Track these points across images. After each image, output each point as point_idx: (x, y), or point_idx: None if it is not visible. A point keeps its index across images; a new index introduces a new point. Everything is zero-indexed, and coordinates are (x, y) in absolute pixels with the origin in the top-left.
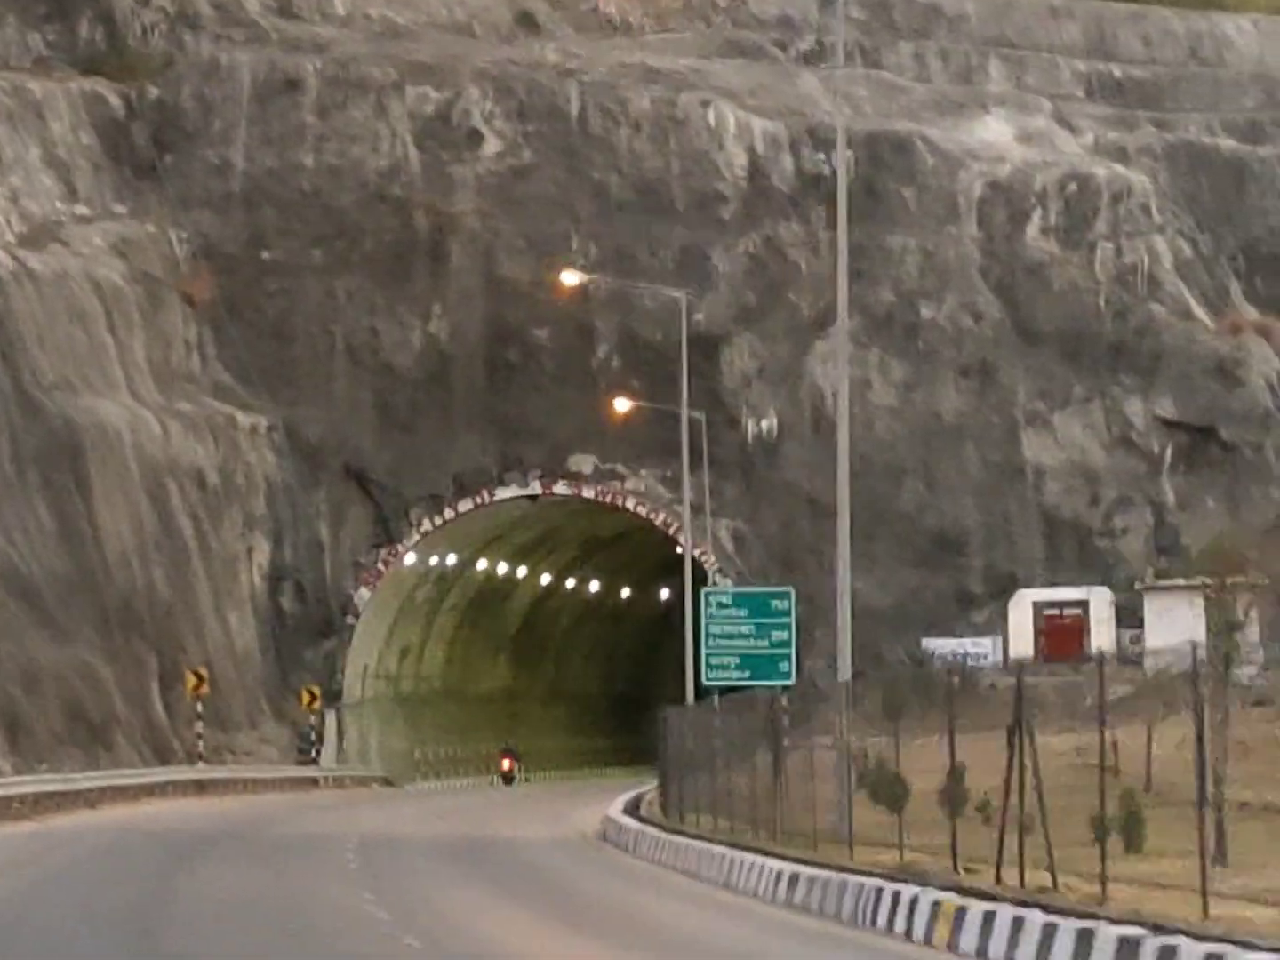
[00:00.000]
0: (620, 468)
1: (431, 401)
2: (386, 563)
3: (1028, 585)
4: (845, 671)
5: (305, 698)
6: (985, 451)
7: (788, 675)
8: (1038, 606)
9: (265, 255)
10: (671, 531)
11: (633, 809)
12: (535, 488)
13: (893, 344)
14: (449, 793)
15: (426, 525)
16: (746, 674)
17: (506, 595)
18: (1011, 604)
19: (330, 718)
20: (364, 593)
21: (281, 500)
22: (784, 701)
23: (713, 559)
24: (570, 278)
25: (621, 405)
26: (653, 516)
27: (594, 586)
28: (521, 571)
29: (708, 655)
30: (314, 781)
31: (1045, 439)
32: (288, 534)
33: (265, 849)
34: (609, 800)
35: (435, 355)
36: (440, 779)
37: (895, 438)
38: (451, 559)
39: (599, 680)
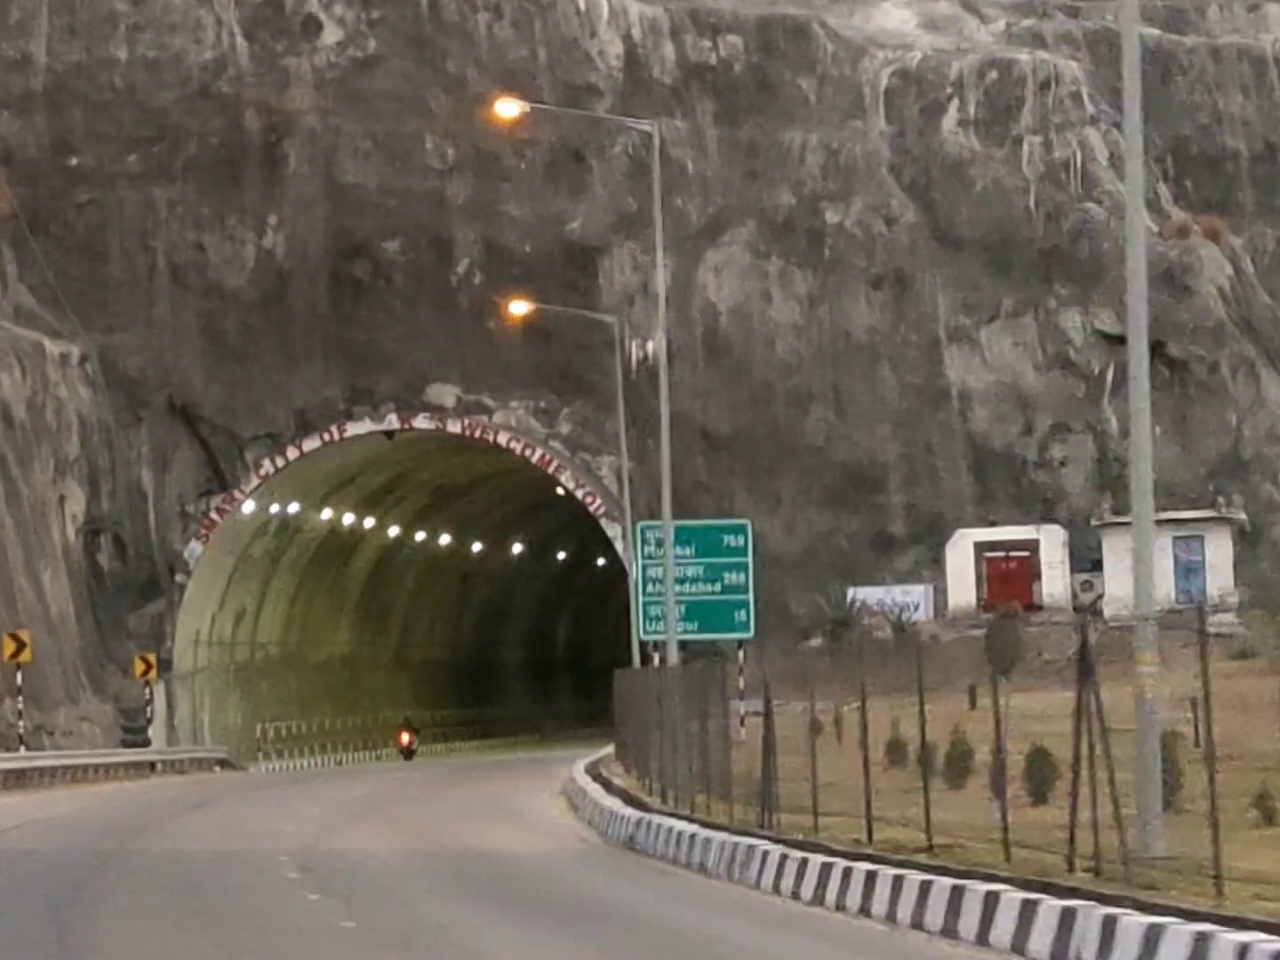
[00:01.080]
0: (487, 399)
1: (268, 327)
2: (221, 512)
3: (956, 525)
4: None
5: (139, 667)
6: (903, 374)
7: (746, 626)
8: (979, 548)
9: (73, 162)
10: (552, 470)
11: (627, 795)
12: (392, 422)
13: (794, 252)
14: (333, 776)
15: (267, 467)
16: (694, 625)
17: (352, 550)
18: (949, 546)
19: (159, 691)
20: (195, 547)
21: (97, 441)
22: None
23: (599, 501)
24: (508, 108)
25: (518, 309)
26: (528, 454)
27: (445, 540)
28: (369, 522)
29: (645, 604)
30: (151, 766)
31: (971, 358)
32: (105, 480)
33: (174, 887)
34: (542, 779)
35: (271, 274)
36: (285, 758)
37: (800, 359)
38: (294, 508)
39: (445, 646)
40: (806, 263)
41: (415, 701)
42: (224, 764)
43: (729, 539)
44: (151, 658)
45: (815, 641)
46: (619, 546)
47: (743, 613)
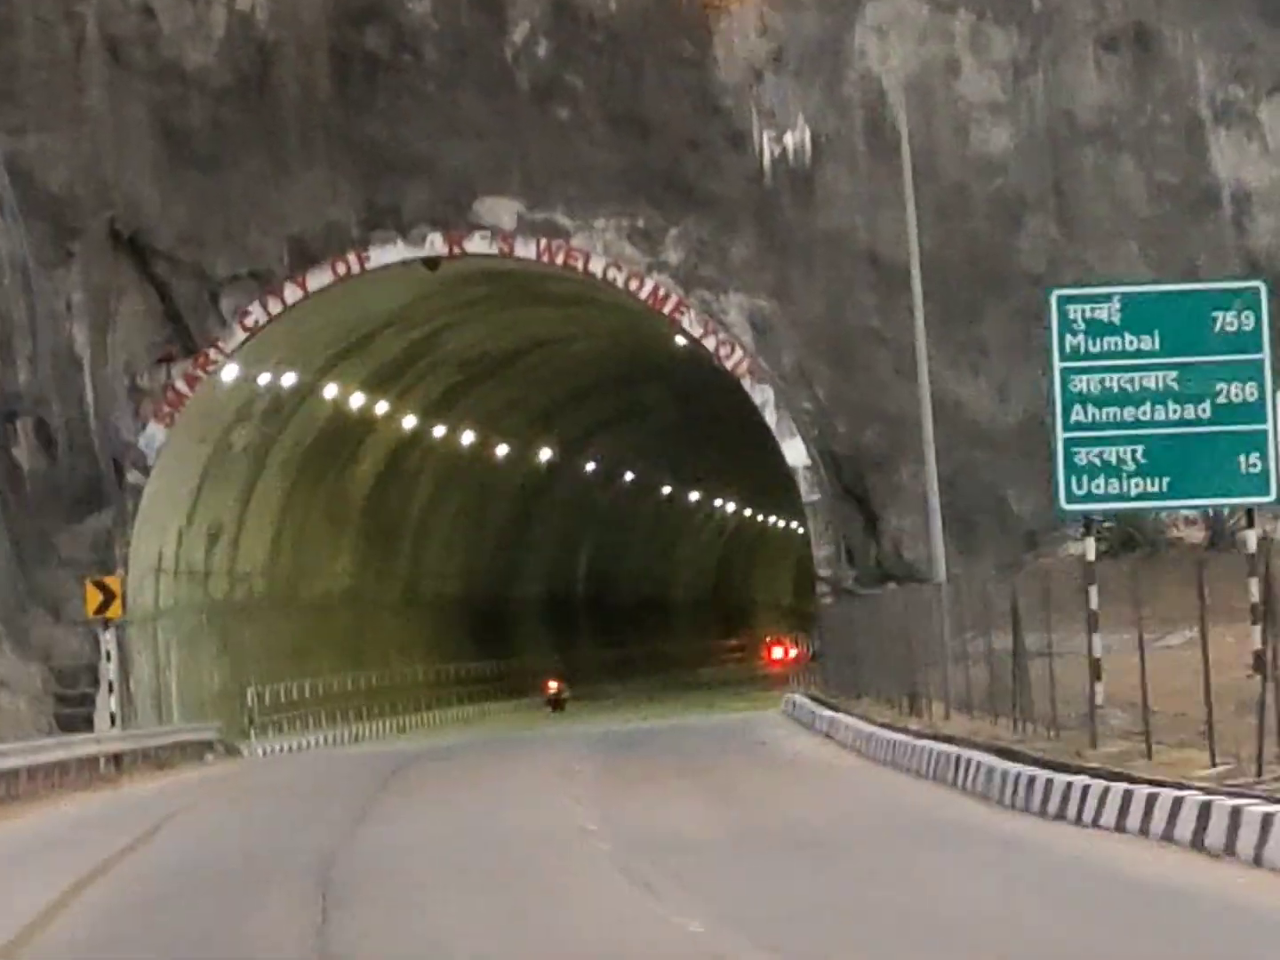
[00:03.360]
0: (560, 217)
1: (248, 122)
2: (190, 382)
3: None
4: None
5: (93, 597)
6: (1151, 169)
7: (1264, 484)
8: None
9: None
10: (669, 309)
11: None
12: (435, 245)
13: (992, 3)
14: (480, 751)
15: (256, 315)
16: (1159, 480)
17: (359, 443)
18: None
19: (107, 641)
20: (154, 433)
21: (8, 287)
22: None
23: (738, 355)
24: None
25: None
26: (634, 287)
27: (468, 438)
28: (382, 407)
29: (1068, 448)
30: (116, 763)
31: (1246, 146)
32: (20, 342)
33: None
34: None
35: (250, 47)
36: (285, 733)
37: (1005, 153)
38: (289, 379)
39: (459, 579)
40: (1009, 17)
41: (433, 652)
42: (221, 747)
43: (1223, 319)
44: (114, 583)
45: (1072, 550)
46: (770, 419)
47: (1256, 455)
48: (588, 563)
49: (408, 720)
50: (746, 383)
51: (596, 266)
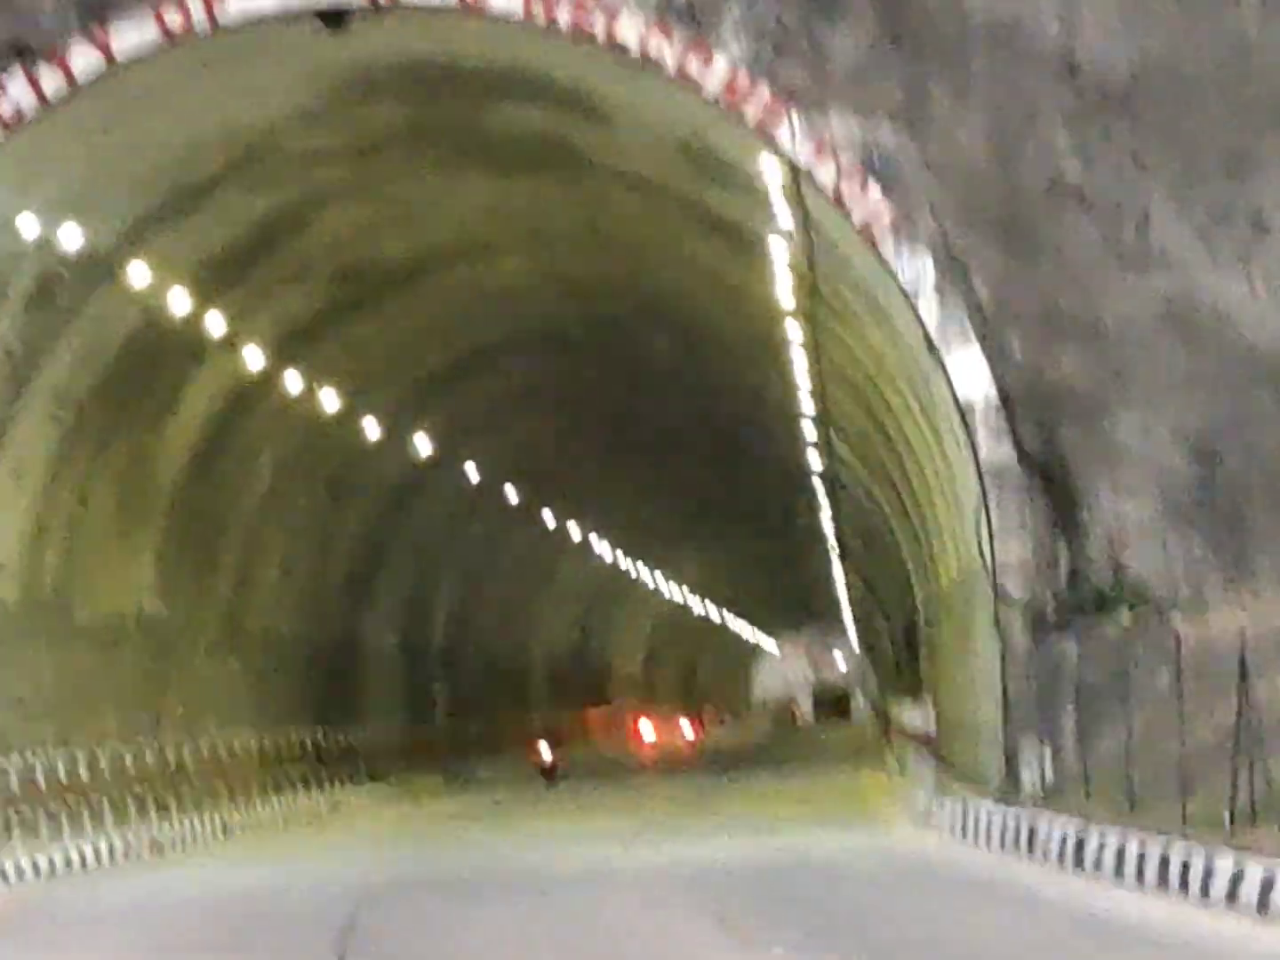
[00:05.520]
0: None
1: None
2: None
3: None
4: None
5: None
6: None
7: None
8: None
9: None
10: (753, 112)
11: None
12: None
13: None
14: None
15: (20, 97)
16: None
17: (178, 381)
18: None
19: None
20: None
21: None
22: None
23: (875, 194)
24: None
25: None
26: (692, 65)
27: (330, 401)
28: (216, 323)
29: None
30: None
31: None
32: None
33: None
34: None
35: None
36: (42, 841)
37: None
38: (73, 238)
39: (299, 613)
40: None
41: (260, 714)
42: None
43: None
44: None
45: None
46: (928, 312)
47: None
48: (449, 607)
49: (233, 817)
50: (889, 246)
51: (629, 30)
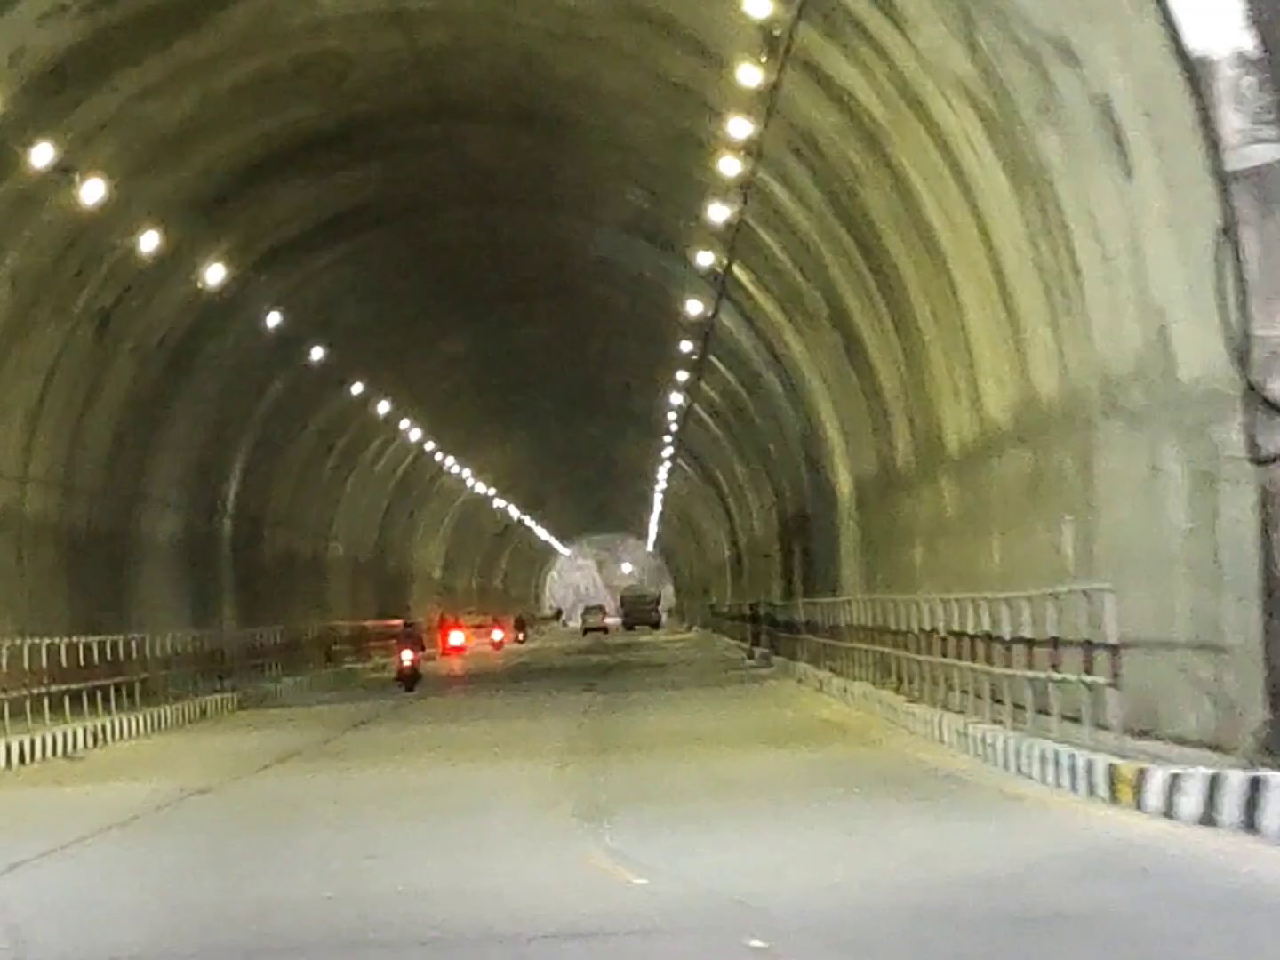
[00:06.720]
0: None
1: None
2: None
3: None
4: None
5: None
6: None
7: None
8: None
9: None
10: None
11: None
12: None
13: None
14: None
15: None
16: None
17: None
18: None
19: None
20: None
21: None
22: None
23: None
24: None
25: None
26: None
27: (94, 192)
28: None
29: None
30: None
31: None
32: None
33: None
34: None
35: None
36: None
37: None
38: None
39: (53, 487)
40: None
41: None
42: None
43: None
44: None
45: None
46: None
47: None
48: (239, 488)
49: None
50: None
51: None
